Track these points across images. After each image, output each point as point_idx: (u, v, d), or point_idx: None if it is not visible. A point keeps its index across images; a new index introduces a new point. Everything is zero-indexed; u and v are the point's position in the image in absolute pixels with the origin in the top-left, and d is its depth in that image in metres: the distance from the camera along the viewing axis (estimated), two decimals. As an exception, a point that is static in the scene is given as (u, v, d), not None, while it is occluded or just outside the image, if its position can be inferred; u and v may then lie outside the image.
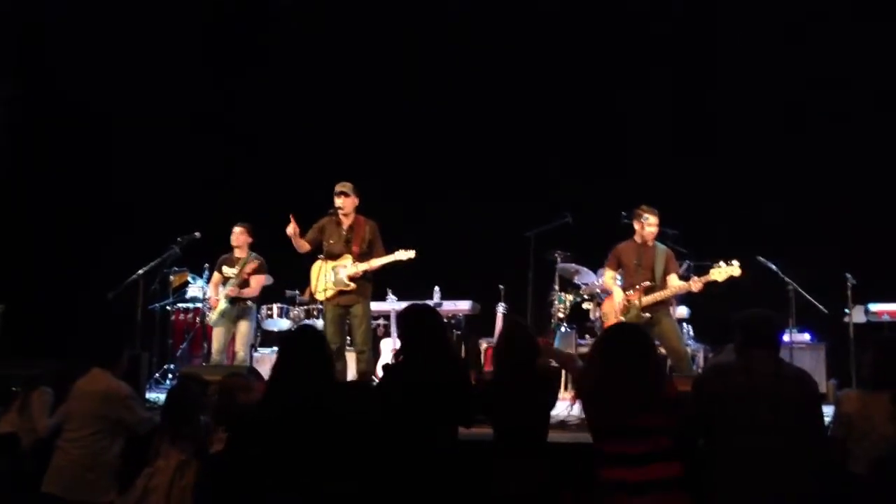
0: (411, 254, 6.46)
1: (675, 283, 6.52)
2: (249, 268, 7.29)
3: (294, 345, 3.94)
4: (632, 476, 3.43)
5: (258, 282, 7.38)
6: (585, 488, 3.63)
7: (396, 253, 6.47)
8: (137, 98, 9.38)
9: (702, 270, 7.48)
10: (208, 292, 7.60)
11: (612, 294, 6.69)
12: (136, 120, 9.38)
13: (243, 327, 7.30)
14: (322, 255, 6.58)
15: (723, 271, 6.30)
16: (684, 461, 3.52)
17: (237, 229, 7.39)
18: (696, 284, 6.41)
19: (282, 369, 3.84)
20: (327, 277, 6.51)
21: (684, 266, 7.58)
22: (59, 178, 9.25)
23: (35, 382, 5.14)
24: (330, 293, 6.51)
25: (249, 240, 7.43)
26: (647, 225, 6.57)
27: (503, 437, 3.96)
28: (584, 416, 3.79)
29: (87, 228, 9.08)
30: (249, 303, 7.37)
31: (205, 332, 7.71)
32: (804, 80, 8.58)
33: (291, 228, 6.53)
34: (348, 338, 6.89)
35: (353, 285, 6.46)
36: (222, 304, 7.26)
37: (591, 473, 3.56)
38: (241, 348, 7.30)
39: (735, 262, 6.30)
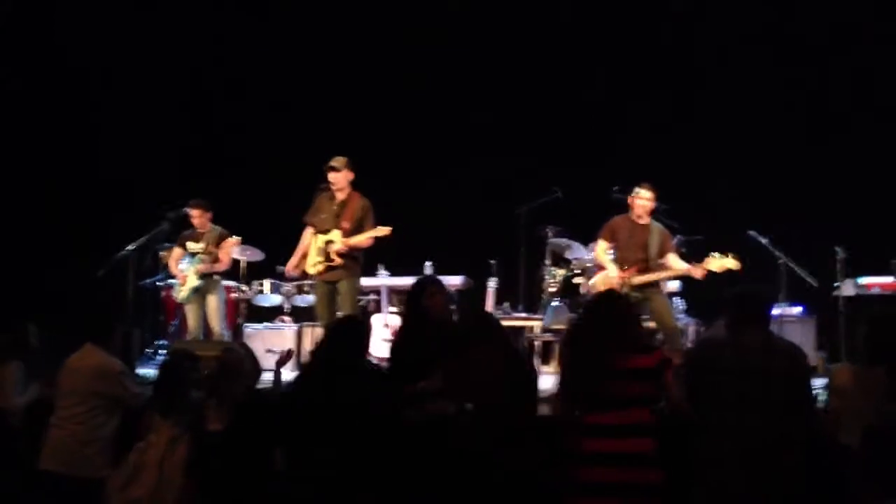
0: (387, 230, 6.40)
1: (677, 265, 6.49)
2: (229, 245, 7.24)
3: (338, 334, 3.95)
4: (600, 447, 3.47)
5: (227, 253, 7.32)
6: None
7: (375, 230, 6.42)
8: (130, 71, 9.29)
9: (692, 245, 7.53)
10: (171, 270, 7.45)
11: (604, 268, 6.66)
12: (128, 94, 9.28)
13: (213, 302, 7.21)
14: (316, 230, 6.55)
15: (721, 263, 6.27)
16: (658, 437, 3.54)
17: (194, 212, 7.26)
18: (697, 271, 6.36)
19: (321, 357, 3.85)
20: (317, 251, 6.50)
21: (675, 240, 7.59)
22: (49, 153, 9.16)
23: (4, 356, 4.99)
24: (319, 267, 6.50)
25: (209, 215, 7.33)
26: (637, 198, 6.54)
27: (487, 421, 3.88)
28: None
29: (78, 203, 9.02)
30: (216, 276, 7.31)
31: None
32: (792, 55, 8.58)
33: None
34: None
35: (339, 260, 6.44)
36: (194, 281, 7.16)
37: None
38: (216, 324, 7.20)
39: (731, 257, 6.27)
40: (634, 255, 6.52)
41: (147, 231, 7.44)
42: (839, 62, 8.39)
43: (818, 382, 3.97)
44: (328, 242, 6.48)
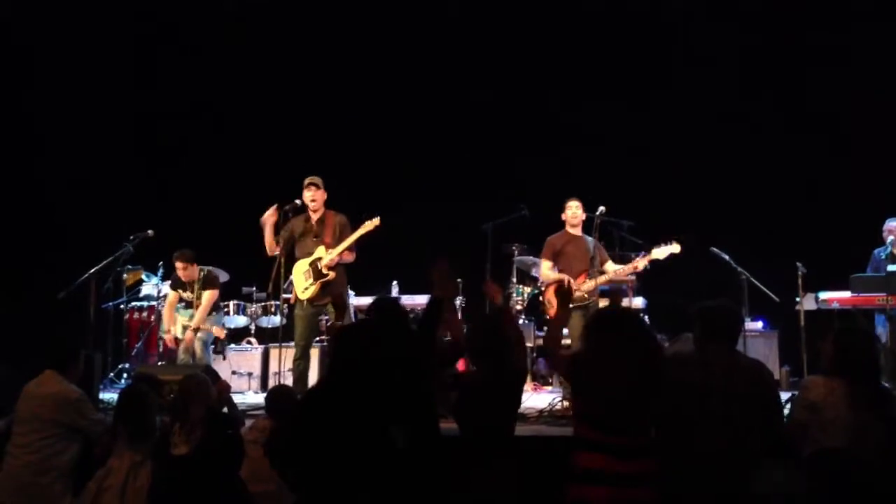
0: (376, 220, 6.33)
1: (619, 267, 6.60)
2: (210, 298, 7.16)
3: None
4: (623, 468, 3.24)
5: (208, 306, 7.16)
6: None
7: (363, 226, 6.34)
8: (77, 95, 9.19)
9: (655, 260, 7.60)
10: (164, 316, 7.39)
11: (553, 282, 6.57)
12: (85, 116, 9.18)
13: (200, 341, 7.08)
14: (297, 256, 6.46)
15: (663, 250, 6.44)
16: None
17: (179, 265, 7.15)
18: (641, 262, 6.49)
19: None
20: (304, 275, 6.40)
21: (639, 256, 7.67)
22: (8, 175, 9.04)
23: None
24: (312, 290, 6.36)
25: (194, 265, 7.20)
26: (567, 208, 6.67)
27: (475, 439, 3.74)
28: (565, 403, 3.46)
29: (38, 226, 8.88)
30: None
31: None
32: (753, 73, 8.74)
33: (271, 215, 6.35)
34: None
35: (332, 273, 6.33)
36: (194, 344, 7.02)
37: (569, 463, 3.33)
38: (200, 354, 7.05)
39: (674, 242, 6.43)
40: (578, 264, 6.56)
41: (110, 254, 7.34)
42: (803, 79, 8.54)
43: (782, 396, 4.01)
44: (314, 262, 6.40)
